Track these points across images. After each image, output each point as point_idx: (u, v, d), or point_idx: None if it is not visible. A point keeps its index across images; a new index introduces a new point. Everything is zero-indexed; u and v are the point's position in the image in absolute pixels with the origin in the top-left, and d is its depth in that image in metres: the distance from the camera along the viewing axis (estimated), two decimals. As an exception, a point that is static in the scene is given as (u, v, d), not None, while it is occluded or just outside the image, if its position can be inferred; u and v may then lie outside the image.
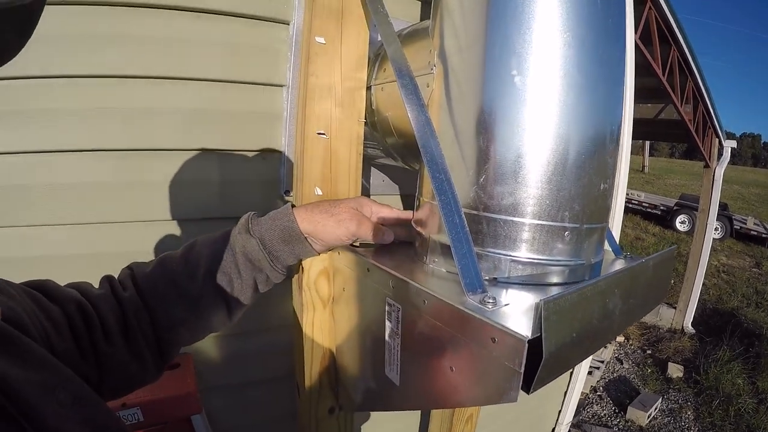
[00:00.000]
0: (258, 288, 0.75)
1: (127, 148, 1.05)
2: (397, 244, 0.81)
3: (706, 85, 5.41)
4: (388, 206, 0.82)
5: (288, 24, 1.16)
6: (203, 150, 1.11)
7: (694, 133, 5.82)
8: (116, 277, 0.71)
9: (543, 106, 0.61)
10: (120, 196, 1.06)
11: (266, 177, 1.19)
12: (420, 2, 1.39)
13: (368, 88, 0.91)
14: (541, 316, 0.44)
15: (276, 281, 0.77)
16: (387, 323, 0.69)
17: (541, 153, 0.61)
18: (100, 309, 0.63)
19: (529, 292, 0.61)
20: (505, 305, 0.52)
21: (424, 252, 0.73)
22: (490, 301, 0.52)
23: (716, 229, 10.13)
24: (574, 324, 0.50)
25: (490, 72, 0.63)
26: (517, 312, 0.51)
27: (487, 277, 0.63)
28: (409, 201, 1.51)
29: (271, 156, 1.19)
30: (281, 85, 1.17)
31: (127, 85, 1.02)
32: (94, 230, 1.06)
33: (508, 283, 0.63)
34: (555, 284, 0.64)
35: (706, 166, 6.52)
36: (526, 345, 0.43)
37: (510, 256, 0.63)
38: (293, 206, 0.75)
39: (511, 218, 0.62)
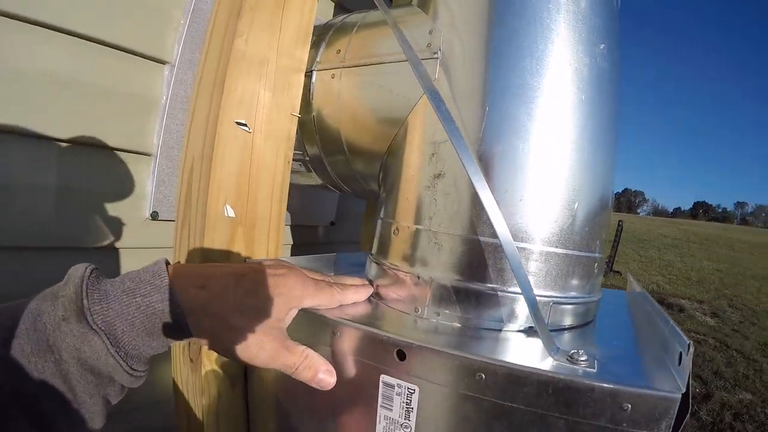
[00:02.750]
0: (109, 403, 0.41)
1: None
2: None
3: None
4: (334, 282, 0.52)
5: (185, -18, 0.86)
6: (40, 137, 0.71)
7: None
8: None
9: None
10: None
11: (126, 189, 0.83)
12: (334, 3, 1.19)
13: (307, 75, 0.66)
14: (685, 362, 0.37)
15: (137, 385, 0.43)
16: (381, 411, 0.45)
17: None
18: None
19: (565, 338, 0.49)
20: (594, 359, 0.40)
21: (421, 301, 0.51)
22: (583, 358, 0.39)
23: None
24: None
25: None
26: (621, 364, 0.41)
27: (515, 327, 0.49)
28: (300, 232, 1.24)
29: (136, 160, 0.83)
30: (164, 62, 0.84)
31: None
32: None
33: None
34: (570, 327, 0.52)
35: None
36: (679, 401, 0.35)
37: (550, 297, 0.49)
38: (167, 263, 0.43)
39: (552, 249, 0.49)
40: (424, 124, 0.52)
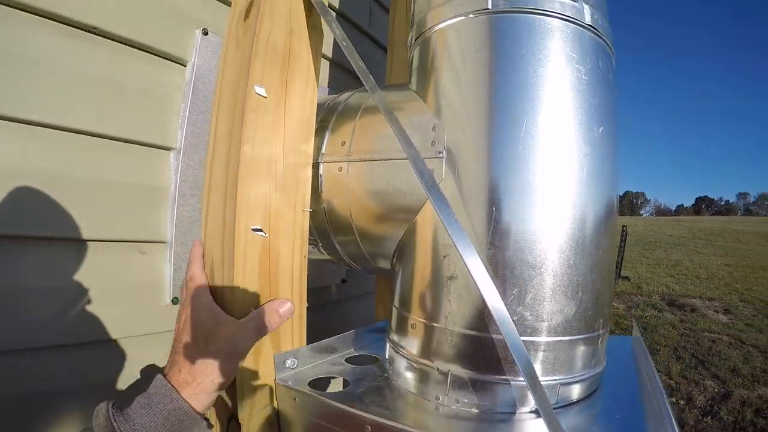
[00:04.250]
0: None
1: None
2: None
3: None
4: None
5: (185, 65, 0.90)
6: (59, 239, 0.75)
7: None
8: None
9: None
10: None
11: (145, 279, 0.86)
12: (329, 62, 1.23)
13: (314, 165, 0.69)
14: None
15: None
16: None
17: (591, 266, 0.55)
18: None
19: (571, 416, 0.54)
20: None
21: (441, 390, 0.56)
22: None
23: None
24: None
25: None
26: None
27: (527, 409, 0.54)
28: (313, 294, 1.26)
29: (151, 249, 0.87)
30: (170, 148, 0.88)
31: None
32: None
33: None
34: (578, 400, 0.57)
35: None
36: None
37: (558, 380, 0.54)
38: (164, 375, 0.55)
39: (558, 338, 0.54)
40: (434, 224, 0.56)
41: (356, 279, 1.45)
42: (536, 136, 0.52)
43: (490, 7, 0.56)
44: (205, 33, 0.92)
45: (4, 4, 0.68)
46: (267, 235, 0.60)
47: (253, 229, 0.58)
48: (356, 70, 0.59)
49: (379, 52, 1.44)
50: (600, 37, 0.60)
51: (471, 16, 0.58)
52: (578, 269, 0.52)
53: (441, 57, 0.60)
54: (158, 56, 0.87)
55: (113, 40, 0.80)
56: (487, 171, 0.53)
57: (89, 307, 0.78)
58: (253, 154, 0.59)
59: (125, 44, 0.82)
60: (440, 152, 0.55)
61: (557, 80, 0.54)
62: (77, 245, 0.77)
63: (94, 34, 0.78)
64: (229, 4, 0.98)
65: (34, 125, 0.72)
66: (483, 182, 0.53)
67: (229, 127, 0.62)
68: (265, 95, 0.61)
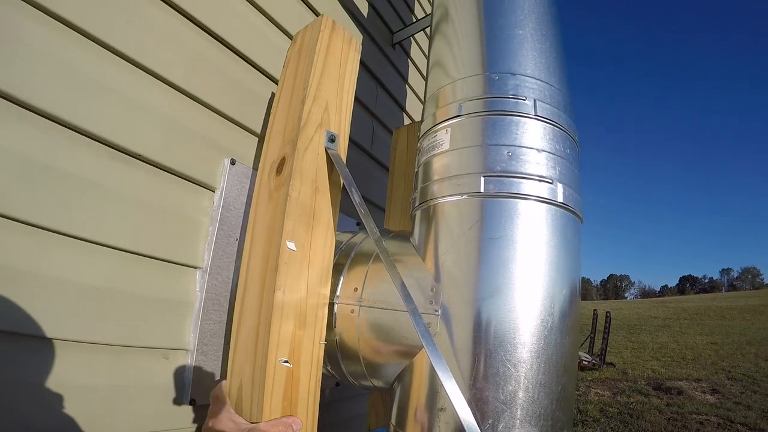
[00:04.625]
0: None
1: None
2: None
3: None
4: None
5: (213, 191, 1.06)
6: (94, 344, 0.87)
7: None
8: None
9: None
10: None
11: (167, 382, 0.98)
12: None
13: (329, 305, 0.85)
14: None
15: None
16: None
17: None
18: None
19: None
20: None
21: None
22: None
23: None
24: None
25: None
26: None
27: None
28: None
29: (174, 356, 0.99)
30: (196, 267, 1.03)
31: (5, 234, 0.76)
32: None
33: None
34: None
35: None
36: None
37: None
38: None
39: None
40: (429, 364, 0.71)
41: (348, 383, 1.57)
42: (513, 304, 0.69)
43: (482, 190, 0.74)
44: (233, 162, 1.09)
45: (59, 123, 0.81)
46: (291, 365, 0.74)
47: (282, 362, 0.72)
48: (369, 233, 0.75)
49: (380, 170, 1.63)
50: (570, 211, 0.77)
51: (465, 197, 0.75)
52: (541, 404, 0.67)
53: (440, 228, 0.78)
54: (190, 182, 1.02)
55: (150, 164, 0.94)
56: (473, 330, 0.69)
57: (117, 405, 0.90)
58: (283, 299, 0.74)
59: (161, 169, 0.97)
60: (437, 310, 0.71)
61: (532, 256, 0.71)
62: (111, 350, 0.89)
63: (136, 158, 0.92)
64: (254, 135, 1.16)
65: (77, 239, 0.84)
66: (470, 338, 0.68)
67: (262, 273, 0.77)
68: (295, 249, 0.76)
